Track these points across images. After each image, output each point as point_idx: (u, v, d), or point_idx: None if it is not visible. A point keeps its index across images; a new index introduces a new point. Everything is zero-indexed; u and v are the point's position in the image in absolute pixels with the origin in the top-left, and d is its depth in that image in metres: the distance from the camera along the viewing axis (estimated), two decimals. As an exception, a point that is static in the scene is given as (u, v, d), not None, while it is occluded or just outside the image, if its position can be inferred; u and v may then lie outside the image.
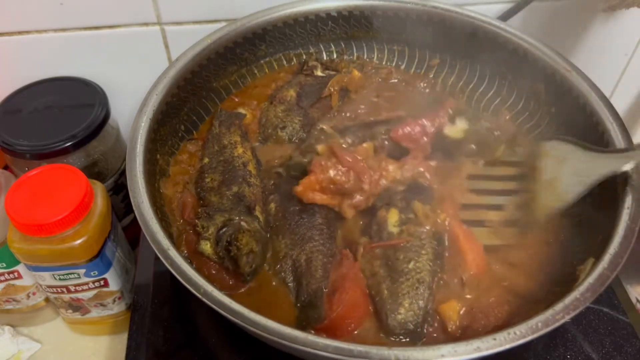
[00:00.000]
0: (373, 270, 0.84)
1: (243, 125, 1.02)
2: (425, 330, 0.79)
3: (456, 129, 0.95)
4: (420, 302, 0.79)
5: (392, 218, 0.87)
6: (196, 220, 0.87)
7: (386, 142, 0.94)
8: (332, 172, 0.86)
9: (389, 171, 0.90)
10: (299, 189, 0.86)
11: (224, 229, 0.84)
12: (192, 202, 0.91)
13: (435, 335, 0.79)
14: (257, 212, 0.89)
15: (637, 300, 1.07)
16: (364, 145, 0.92)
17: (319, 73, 1.09)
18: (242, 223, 0.85)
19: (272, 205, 0.91)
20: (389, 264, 0.83)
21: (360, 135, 0.95)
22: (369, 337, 0.79)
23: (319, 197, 0.87)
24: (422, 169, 0.91)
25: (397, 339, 0.78)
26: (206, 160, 0.96)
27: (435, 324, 0.80)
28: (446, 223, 0.87)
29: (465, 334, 0.79)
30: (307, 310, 0.80)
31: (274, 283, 0.85)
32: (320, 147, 0.90)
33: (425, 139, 0.93)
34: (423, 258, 0.82)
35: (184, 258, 0.73)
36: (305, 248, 0.85)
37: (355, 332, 0.79)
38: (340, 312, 0.79)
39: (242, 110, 1.06)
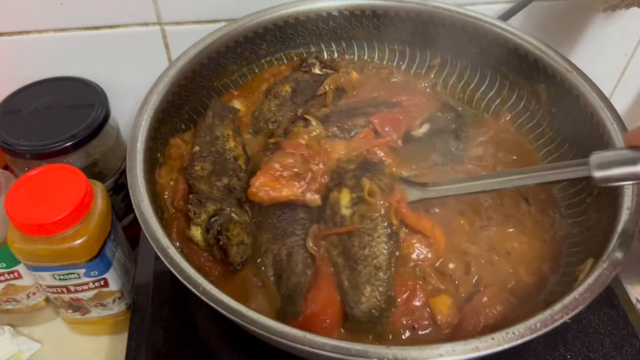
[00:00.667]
0: (333, 260, 0.84)
1: (236, 119, 1.02)
2: (389, 313, 0.79)
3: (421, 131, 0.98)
4: (381, 288, 0.79)
5: (344, 199, 0.86)
6: (188, 206, 0.87)
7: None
8: (277, 162, 0.87)
9: (337, 150, 0.91)
10: (251, 190, 0.86)
11: (215, 217, 0.84)
12: (184, 189, 0.91)
13: (429, 330, 0.80)
14: (247, 207, 0.90)
15: (637, 300, 1.07)
16: (310, 127, 0.94)
17: (316, 71, 1.09)
18: (233, 215, 0.85)
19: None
20: (345, 252, 0.83)
21: (342, 124, 0.96)
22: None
23: (273, 194, 0.86)
24: (375, 148, 0.93)
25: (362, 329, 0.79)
26: (197, 148, 0.95)
27: (425, 322, 0.80)
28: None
29: (455, 332, 0.79)
30: (286, 305, 0.81)
31: (254, 279, 0.85)
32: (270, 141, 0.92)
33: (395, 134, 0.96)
34: (377, 241, 0.82)
35: (176, 247, 0.73)
36: (286, 242, 0.85)
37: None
38: (314, 310, 0.79)
39: (237, 103, 1.06)
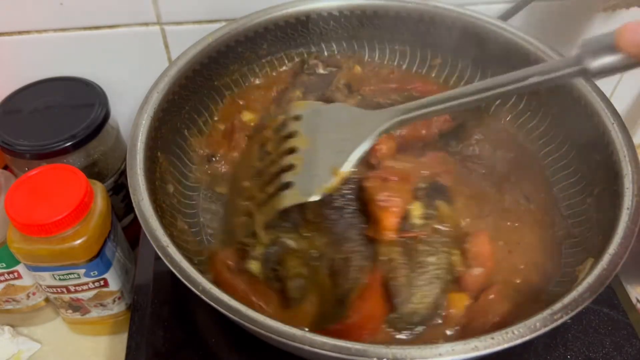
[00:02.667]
0: (391, 257, 0.83)
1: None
2: (428, 324, 0.80)
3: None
4: (431, 298, 0.80)
5: (417, 211, 0.86)
6: (242, 239, 0.86)
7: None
8: (399, 197, 0.86)
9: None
10: (389, 234, 0.84)
11: (273, 247, 0.84)
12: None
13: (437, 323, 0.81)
14: (304, 230, 0.88)
15: (637, 300, 1.07)
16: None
17: (321, 71, 1.09)
18: (290, 241, 0.85)
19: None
20: (408, 253, 0.83)
21: None
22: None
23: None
24: (438, 170, 0.92)
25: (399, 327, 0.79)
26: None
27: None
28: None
29: (464, 331, 0.79)
30: (330, 308, 0.81)
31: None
32: (368, 182, 0.88)
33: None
34: (443, 256, 0.83)
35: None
36: (344, 248, 0.85)
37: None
38: (355, 320, 0.79)
39: (246, 115, 1.06)
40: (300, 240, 0.86)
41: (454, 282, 0.83)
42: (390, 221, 0.84)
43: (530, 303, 0.81)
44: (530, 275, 0.86)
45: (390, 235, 0.84)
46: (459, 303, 0.81)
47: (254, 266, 0.83)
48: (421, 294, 0.80)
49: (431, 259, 0.82)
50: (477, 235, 0.87)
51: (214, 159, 1.00)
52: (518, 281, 0.85)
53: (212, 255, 0.88)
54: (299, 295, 0.81)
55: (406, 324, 0.79)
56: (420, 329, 0.80)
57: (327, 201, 0.87)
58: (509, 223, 0.91)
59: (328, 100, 1.01)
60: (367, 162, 0.92)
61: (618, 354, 0.87)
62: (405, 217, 0.85)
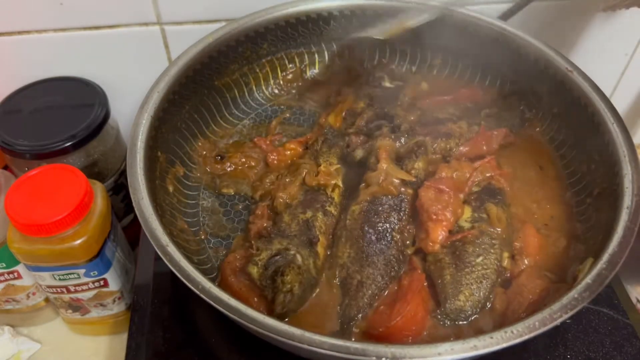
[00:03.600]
0: (437, 257, 0.85)
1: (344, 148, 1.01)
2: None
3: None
4: (482, 297, 0.81)
5: (465, 214, 0.88)
6: (252, 241, 0.86)
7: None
8: (450, 210, 0.87)
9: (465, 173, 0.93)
10: (436, 247, 0.85)
11: (276, 257, 0.83)
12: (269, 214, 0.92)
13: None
14: (320, 247, 0.87)
15: (637, 300, 1.07)
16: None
17: (387, 84, 1.09)
18: (297, 256, 0.84)
19: (357, 208, 0.90)
20: (456, 253, 0.84)
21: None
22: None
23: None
24: (493, 173, 0.94)
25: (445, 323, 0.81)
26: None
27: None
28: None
29: (505, 314, 0.81)
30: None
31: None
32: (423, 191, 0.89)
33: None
34: (491, 257, 0.84)
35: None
36: (364, 271, 0.84)
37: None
38: (398, 323, 0.79)
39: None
40: (309, 258, 0.85)
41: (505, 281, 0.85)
42: (438, 234, 0.85)
43: (562, 280, 0.83)
44: (557, 250, 0.89)
45: (436, 247, 0.85)
46: (500, 299, 0.82)
47: (253, 270, 0.83)
48: (468, 291, 0.81)
49: (479, 260, 0.83)
50: (525, 229, 0.90)
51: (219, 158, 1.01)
52: (547, 260, 0.87)
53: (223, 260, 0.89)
54: (283, 310, 0.80)
55: (451, 320, 0.80)
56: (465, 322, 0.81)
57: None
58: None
59: (387, 116, 1.01)
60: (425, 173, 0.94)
61: (618, 354, 0.86)
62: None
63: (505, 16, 1.11)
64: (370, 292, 0.83)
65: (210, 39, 1.00)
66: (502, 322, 0.80)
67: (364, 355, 0.62)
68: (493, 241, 0.85)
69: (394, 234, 0.87)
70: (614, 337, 0.88)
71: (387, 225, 0.87)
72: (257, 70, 1.11)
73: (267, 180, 0.97)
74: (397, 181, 0.90)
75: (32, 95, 1.08)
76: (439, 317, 0.81)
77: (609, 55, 1.28)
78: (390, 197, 0.89)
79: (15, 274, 0.98)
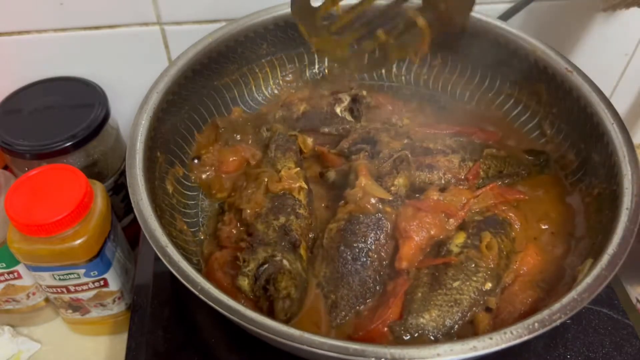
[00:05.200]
0: (416, 276, 0.84)
1: (299, 150, 1.01)
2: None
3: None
4: (447, 321, 0.79)
5: (458, 239, 0.86)
6: (238, 254, 0.85)
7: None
8: (425, 229, 0.86)
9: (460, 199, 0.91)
10: (403, 264, 0.84)
11: (264, 266, 0.82)
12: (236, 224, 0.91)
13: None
14: (302, 250, 0.87)
15: (637, 300, 1.07)
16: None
17: (338, 111, 1.08)
18: (284, 261, 0.83)
19: (334, 227, 0.89)
20: (435, 274, 0.83)
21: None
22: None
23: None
24: (497, 202, 0.92)
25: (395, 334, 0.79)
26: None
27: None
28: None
29: (494, 323, 0.80)
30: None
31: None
32: (402, 209, 0.89)
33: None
34: (471, 284, 0.82)
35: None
36: (338, 292, 0.83)
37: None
38: (378, 327, 0.79)
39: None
40: (295, 262, 0.85)
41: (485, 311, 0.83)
42: (406, 251, 0.84)
43: (554, 290, 0.83)
44: (548, 265, 0.88)
45: (403, 264, 0.84)
46: (483, 324, 0.81)
47: (244, 283, 0.82)
48: (435, 312, 0.79)
49: (455, 284, 0.81)
50: (526, 250, 0.88)
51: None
52: (540, 272, 0.87)
53: (209, 255, 0.89)
54: (286, 317, 0.80)
55: (409, 334, 0.78)
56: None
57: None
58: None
59: (371, 140, 1.00)
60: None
61: (618, 354, 0.87)
62: (442, 242, 0.86)
63: (505, 16, 1.12)
64: (343, 313, 0.82)
65: (210, 40, 1.00)
66: (493, 326, 0.80)
67: (363, 356, 0.62)
68: (478, 269, 0.83)
69: (370, 253, 0.85)
70: (614, 337, 0.88)
71: (364, 244, 0.86)
72: (257, 70, 1.11)
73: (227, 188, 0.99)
74: (374, 200, 0.89)
75: (32, 95, 1.08)
76: (397, 328, 0.79)
77: (609, 55, 1.28)
78: (368, 215, 0.88)
79: (15, 274, 0.98)
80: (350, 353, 0.63)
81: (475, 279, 0.82)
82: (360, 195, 0.89)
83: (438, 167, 0.95)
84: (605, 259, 0.73)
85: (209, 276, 0.85)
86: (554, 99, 1.00)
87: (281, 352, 0.71)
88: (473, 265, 0.83)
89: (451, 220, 0.88)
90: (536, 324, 0.66)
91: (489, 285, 0.82)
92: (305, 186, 0.94)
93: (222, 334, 0.89)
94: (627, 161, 0.83)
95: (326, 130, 1.05)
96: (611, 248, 0.74)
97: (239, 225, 0.91)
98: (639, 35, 1.26)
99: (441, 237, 0.87)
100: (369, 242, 0.86)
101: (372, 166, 0.94)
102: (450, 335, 0.79)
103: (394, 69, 1.15)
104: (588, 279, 0.70)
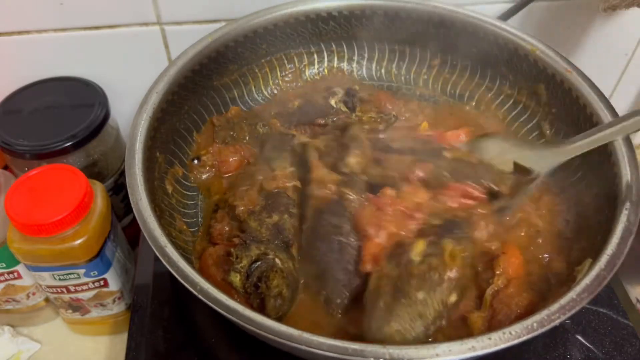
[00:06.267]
0: (378, 285, 0.80)
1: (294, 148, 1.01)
2: None
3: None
4: (407, 335, 0.76)
5: (418, 248, 0.82)
6: (231, 249, 0.85)
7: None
8: (384, 228, 0.85)
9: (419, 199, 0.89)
10: (367, 267, 0.83)
11: (257, 263, 0.82)
12: (228, 221, 0.91)
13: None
14: (294, 249, 0.87)
15: (637, 300, 1.07)
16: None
17: (333, 103, 1.09)
18: (277, 260, 0.83)
19: (306, 227, 0.89)
20: (398, 284, 0.79)
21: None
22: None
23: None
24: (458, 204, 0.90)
25: None
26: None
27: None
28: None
29: (490, 325, 0.80)
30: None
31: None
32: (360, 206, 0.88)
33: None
34: (436, 296, 0.78)
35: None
36: (327, 286, 0.83)
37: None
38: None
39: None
40: (288, 261, 0.84)
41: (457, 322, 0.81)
42: (367, 252, 0.84)
43: (556, 287, 0.82)
44: (542, 268, 0.87)
45: (368, 267, 0.83)
46: (477, 323, 0.80)
47: (235, 279, 0.82)
48: (396, 324, 0.76)
49: (420, 295, 0.77)
50: (507, 251, 0.86)
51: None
52: (535, 273, 0.86)
53: (202, 251, 0.89)
54: (277, 315, 0.80)
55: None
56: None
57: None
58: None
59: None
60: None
61: (618, 354, 0.87)
62: (405, 251, 0.82)
63: (505, 16, 1.12)
64: (338, 301, 0.82)
65: (209, 40, 1.00)
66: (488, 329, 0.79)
67: (362, 356, 0.62)
68: (442, 279, 0.79)
69: (342, 238, 0.85)
70: (614, 337, 0.88)
71: (335, 234, 0.86)
72: (256, 70, 1.11)
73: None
74: (332, 186, 0.90)
75: (32, 95, 1.08)
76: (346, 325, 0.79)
77: (609, 55, 1.28)
78: (329, 203, 0.88)
79: (15, 274, 0.98)
80: (349, 353, 0.63)
81: (439, 289, 0.79)
82: (315, 187, 0.90)
83: (391, 165, 0.95)
84: (604, 259, 0.72)
85: (202, 271, 0.85)
86: (553, 99, 1.00)
87: (281, 352, 0.71)
88: (437, 276, 0.79)
89: (409, 222, 0.86)
90: (535, 324, 0.66)
91: (454, 298, 0.79)
92: (300, 185, 0.94)
93: (223, 334, 0.89)
94: (626, 161, 0.83)
95: (322, 121, 1.05)
96: (610, 248, 0.73)
97: (231, 222, 0.91)
98: (639, 35, 1.26)
99: (403, 234, 0.85)
100: (339, 229, 0.86)
101: (320, 147, 0.96)
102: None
103: (394, 69, 1.15)
104: (587, 279, 0.70)
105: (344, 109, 1.06)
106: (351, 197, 0.89)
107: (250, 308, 0.74)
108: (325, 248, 0.85)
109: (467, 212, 0.88)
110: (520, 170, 0.93)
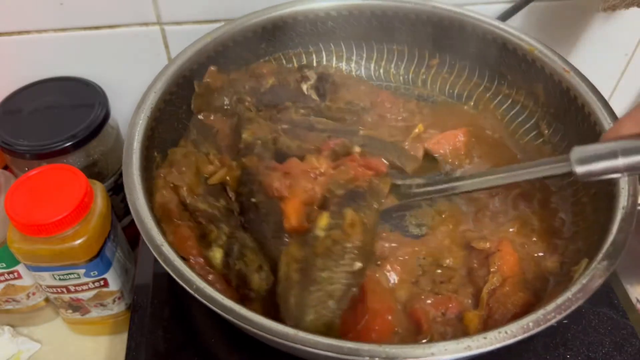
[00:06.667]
0: (288, 274, 0.79)
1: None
2: None
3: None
4: (325, 319, 0.75)
5: (322, 222, 0.81)
6: (205, 224, 0.85)
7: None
8: (298, 186, 0.86)
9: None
10: (293, 222, 0.83)
11: (232, 240, 0.83)
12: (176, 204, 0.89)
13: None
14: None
15: (637, 300, 1.07)
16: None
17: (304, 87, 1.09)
18: (246, 239, 0.84)
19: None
20: (305, 268, 0.78)
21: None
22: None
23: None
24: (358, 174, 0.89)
25: None
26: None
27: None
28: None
29: (486, 325, 0.80)
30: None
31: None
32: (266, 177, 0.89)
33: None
34: (340, 269, 0.78)
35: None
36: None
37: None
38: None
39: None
40: (250, 239, 0.85)
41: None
42: (289, 210, 0.84)
43: (552, 287, 0.83)
44: (538, 267, 0.87)
45: (294, 222, 0.83)
46: (472, 322, 0.80)
47: (218, 254, 0.82)
48: (313, 314, 0.75)
49: (325, 274, 0.77)
50: (502, 248, 0.86)
51: None
52: (531, 273, 0.86)
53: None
54: (267, 286, 0.80)
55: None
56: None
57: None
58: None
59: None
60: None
61: (618, 354, 0.87)
62: (311, 229, 0.82)
63: (505, 16, 1.12)
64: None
65: (208, 39, 1.00)
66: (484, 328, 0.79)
67: (358, 355, 0.63)
68: (344, 250, 0.79)
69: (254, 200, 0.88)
70: (614, 337, 0.89)
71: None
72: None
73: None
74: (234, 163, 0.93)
75: (32, 95, 1.08)
76: None
77: (609, 55, 1.28)
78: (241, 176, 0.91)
79: (15, 274, 0.98)
80: (344, 352, 0.63)
81: (342, 262, 0.78)
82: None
83: (309, 140, 0.97)
84: (600, 259, 0.72)
85: (181, 250, 0.82)
86: (552, 98, 1.00)
87: (281, 352, 0.71)
88: (339, 248, 0.79)
89: (314, 183, 0.87)
90: (531, 324, 0.65)
91: (358, 265, 0.79)
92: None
93: (222, 334, 0.89)
94: (626, 161, 0.83)
95: (289, 104, 1.04)
96: (607, 248, 0.73)
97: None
98: (639, 35, 1.26)
99: (310, 187, 0.86)
100: (252, 195, 0.88)
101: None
102: (333, 332, 0.76)
103: (392, 69, 1.15)
104: (583, 279, 0.70)
105: (314, 96, 1.06)
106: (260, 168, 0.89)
107: (230, 287, 0.77)
108: (253, 216, 0.86)
109: (369, 183, 0.88)
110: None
